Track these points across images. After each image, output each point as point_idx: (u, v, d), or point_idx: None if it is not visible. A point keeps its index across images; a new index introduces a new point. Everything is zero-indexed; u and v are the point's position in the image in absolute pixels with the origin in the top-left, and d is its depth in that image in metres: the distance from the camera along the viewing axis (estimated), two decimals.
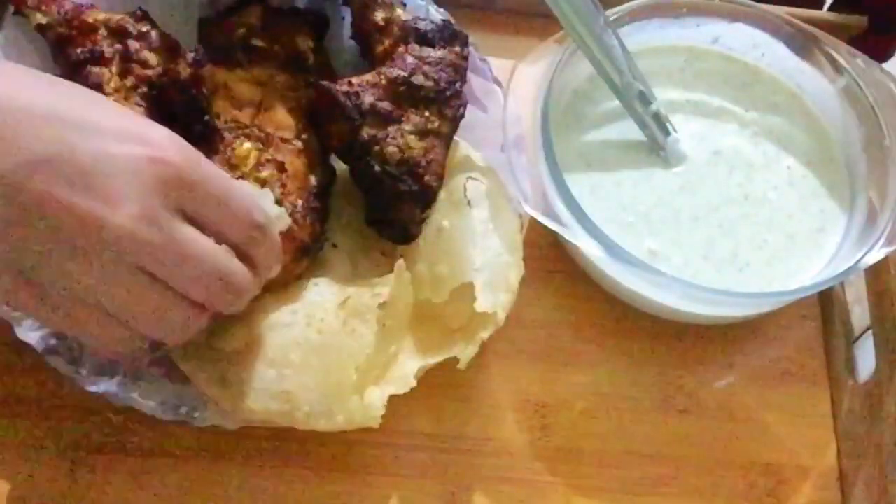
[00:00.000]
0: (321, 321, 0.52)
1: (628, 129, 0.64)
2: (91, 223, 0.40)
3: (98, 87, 0.52)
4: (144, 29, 0.55)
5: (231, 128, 0.55)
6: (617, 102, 0.63)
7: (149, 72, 0.53)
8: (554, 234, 0.58)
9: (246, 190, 0.48)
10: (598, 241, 0.56)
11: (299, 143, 0.56)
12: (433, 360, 0.55)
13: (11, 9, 0.56)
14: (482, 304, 0.54)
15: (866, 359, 0.60)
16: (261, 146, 0.54)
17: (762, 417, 0.61)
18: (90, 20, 0.55)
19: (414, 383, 0.53)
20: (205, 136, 0.53)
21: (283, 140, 0.55)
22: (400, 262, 0.54)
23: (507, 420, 0.59)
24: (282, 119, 0.56)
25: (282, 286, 0.53)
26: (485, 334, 0.55)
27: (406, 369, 0.54)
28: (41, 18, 0.55)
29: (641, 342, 0.62)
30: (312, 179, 0.55)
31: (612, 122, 0.65)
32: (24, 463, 0.54)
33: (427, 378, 0.55)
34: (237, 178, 0.53)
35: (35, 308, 0.42)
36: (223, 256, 0.44)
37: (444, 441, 0.58)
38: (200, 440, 0.55)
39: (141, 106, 0.52)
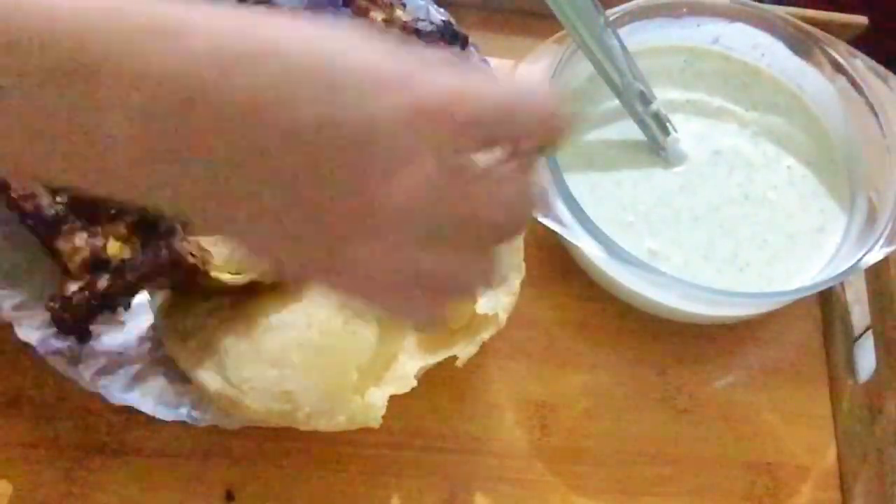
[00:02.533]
0: (322, 322, 0.52)
1: (628, 129, 0.64)
2: (370, 201, 0.34)
3: None
4: None
5: None
6: (617, 102, 0.63)
7: None
8: (554, 234, 0.58)
9: (526, 86, 0.40)
10: (598, 241, 0.56)
11: None
12: (433, 359, 0.55)
13: None
14: (483, 306, 0.54)
15: (866, 359, 0.60)
16: None
17: (762, 417, 0.61)
18: None
19: (414, 383, 0.53)
20: None
21: None
22: None
23: (507, 420, 0.59)
24: None
25: (284, 286, 0.53)
26: (485, 335, 0.55)
27: (406, 369, 0.54)
28: None
29: (642, 342, 0.62)
30: None
31: (612, 122, 0.64)
32: (24, 463, 0.54)
33: (427, 378, 0.55)
34: None
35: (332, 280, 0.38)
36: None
37: (444, 441, 0.58)
38: (200, 440, 0.55)
39: None
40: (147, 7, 0.33)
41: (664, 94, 0.64)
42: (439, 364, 0.55)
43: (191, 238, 0.52)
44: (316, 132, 0.33)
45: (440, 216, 0.36)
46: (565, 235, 0.57)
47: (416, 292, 0.37)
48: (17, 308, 0.53)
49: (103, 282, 0.51)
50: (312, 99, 0.33)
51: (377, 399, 0.52)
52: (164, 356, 0.54)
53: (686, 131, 0.64)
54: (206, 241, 0.52)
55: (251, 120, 0.33)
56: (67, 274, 0.53)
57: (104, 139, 0.33)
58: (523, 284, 0.57)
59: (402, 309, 0.39)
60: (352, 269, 0.36)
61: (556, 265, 0.64)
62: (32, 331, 0.53)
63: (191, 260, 0.51)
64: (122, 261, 0.52)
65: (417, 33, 0.58)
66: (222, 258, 0.52)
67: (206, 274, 0.52)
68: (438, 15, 0.62)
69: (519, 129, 0.37)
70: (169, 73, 0.32)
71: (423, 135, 0.34)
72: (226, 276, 0.52)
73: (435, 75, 0.35)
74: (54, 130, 0.33)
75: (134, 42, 0.32)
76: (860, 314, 0.62)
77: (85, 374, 0.53)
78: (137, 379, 0.53)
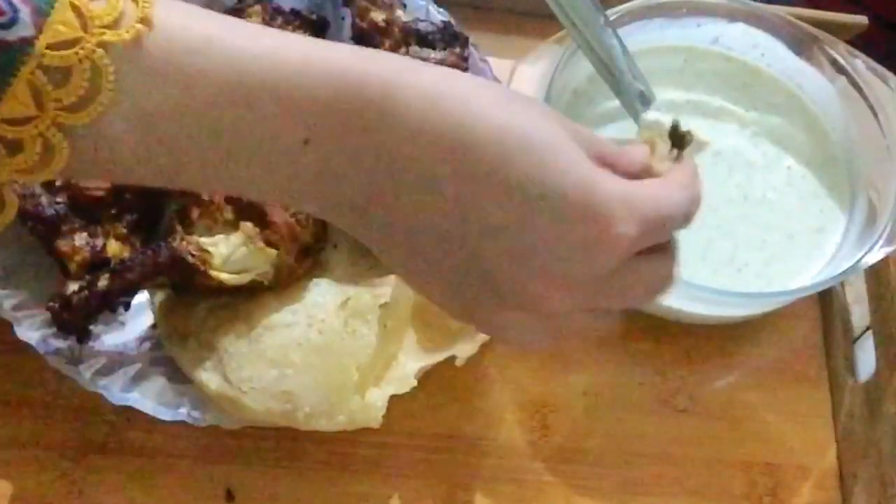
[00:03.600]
0: (322, 321, 0.52)
1: (628, 129, 0.63)
2: (544, 294, 0.39)
3: None
4: None
5: None
6: (617, 102, 0.63)
7: None
8: None
9: (675, 199, 0.42)
10: None
11: None
12: (433, 359, 0.55)
13: None
14: None
15: (866, 359, 0.60)
16: None
17: (762, 417, 0.61)
18: None
19: (414, 383, 0.53)
20: None
21: None
22: None
23: (507, 420, 0.59)
24: None
25: (284, 286, 0.53)
26: (486, 336, 0.55)
27: (406, 369, 0.54)
28: None
29: (641, 342, 0.62)
30: None
31: (612, 122, 0.64)
32: (25, 463, 0.54)
33: (427, 378, 0.55)
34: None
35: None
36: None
37: (445, 441, 0.58)
38: (200, 440, 0.55)
39: None
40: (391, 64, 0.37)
41: (664, 94, 0.64)
42: (439, 364, 0.55)
43: (190, 238, 0.52)
44: (548, 242, 0.37)
45: (594, 302, 0.40)
46: None
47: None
48: (17, 308, 0.53)
49: (103, 281, 0.51)
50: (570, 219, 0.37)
51: (377, 399, 0.52)
52: (164, 356, 0.54)
53: None
54: (206, 242, 0.52)
55: (501, 199, 0.37)
56: (67, 274, 0.53)
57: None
58: None
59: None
60: (502, 328, 0.40)
61: None
62: (32, 331, 0.53)
63: (190, 259, 0.51)
64: (122, 260, 0.52)
65: (417, 33, 0.58)
66: (221, 258, 0.52)
67: (205, 273, 0.51)
68: (438, 15, 0.62)
69: (679, 227, 0.42)
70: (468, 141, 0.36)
71: (600, 263, 0.38)
72: (225, 276, 0.52)
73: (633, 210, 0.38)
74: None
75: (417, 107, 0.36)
76: (860, 314, 0.62)
77: (85, 374, 0.53)
78: (137, 379, 0.53)
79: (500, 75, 0.62)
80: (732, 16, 0.66)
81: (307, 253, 0.54)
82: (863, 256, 0.57)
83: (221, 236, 0.52)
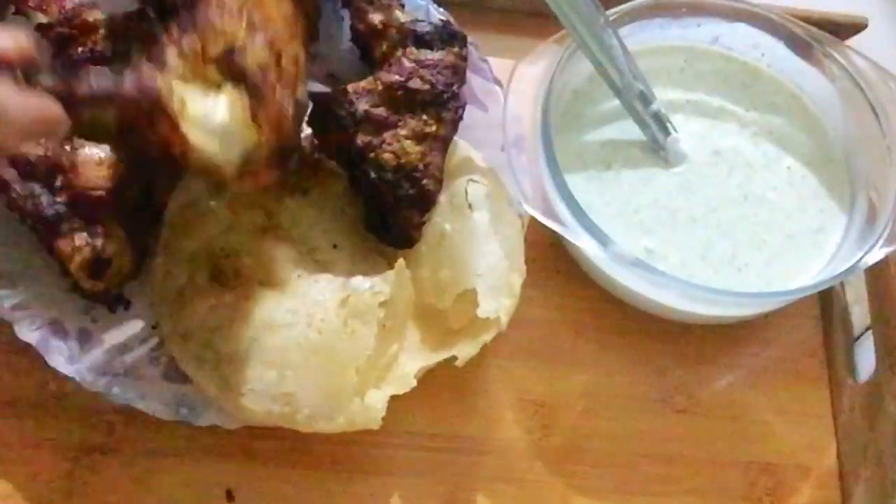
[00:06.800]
0: (321, 321, 0.52)
1: (628, 129, 0.64)
2: None
3: None
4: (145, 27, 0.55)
5: None
6: (617, 102, 0.63)
7: None
8: (554, 233, 0.58)
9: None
10: (597, 241, 0.56)
11: (296, 49, 0.49)
12: (433, 360, 0.55)
13: (13, 8, 0.56)
14: (484, 310, 0.54)
15: (866, 359, 0.60)
16: None
17: (762, 417, 0.61)
18: (91, 19, 0.55)
19: (414, 383, 0.53)
20: None
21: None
22: (400, 262, 0.54)
23: (507, 420, 0.59)
24: None
25: (238, 192, 0.49)
26: (487, 337, 0.55)
27: (406, 369, 0.54)
28: (42, 18, 0.55)
29: (641, 342, 0.62)
30: (299, 93, 0.49)
31: (612, 122, 0.64)
32: (25, 463, 0.54)
33: (427, 378, 0.55)
34: (225, 47, 0.46)
35: None
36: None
37: (444, 441, 0.58)
38: (200, 440, 0.55)
39: None
40: None
41: (664, 94, 0.64)
42: (439, 364, 0.55)
43: (170, 77, 0.45)
44: None
45: None
46: (565, 235, 0.57)
47: None
48: (16, 308, 0.53)
49: (47, 80, 0.43)
50: None
51: (377, 401, 0.52)
52: (165, 356, 0.54)
53: (686, 131, 0.64)
54: (192, 92, 0.45)
55: None
56: (67, 274, 0.53)
57: None
58: (524, 285, 0.57)
59: None
60: None
61: (556, 265, 0.64)
62: (32, 331, 0.53)
63: (160, 97, 0.44)
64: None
65: (415, 35, 0.58)
66: (197, 113, 0.45)
67: (171, 121, 0.44)
68: (437, 15, 0.62)
69: None
70: None
71: None
72: (195, 134, 0.45)
73: None
74: None
75: None
76: (860, 314, 0.62)
77: (85, 374, 0.53)
78: (137, 379, 0.53)
79: (500, 75, 0.63)
80: (732, 16, 0.66)
81: (281, 159, 0.47)
82: (863, 256, 0.57)
83: (200, 91, 0.45)
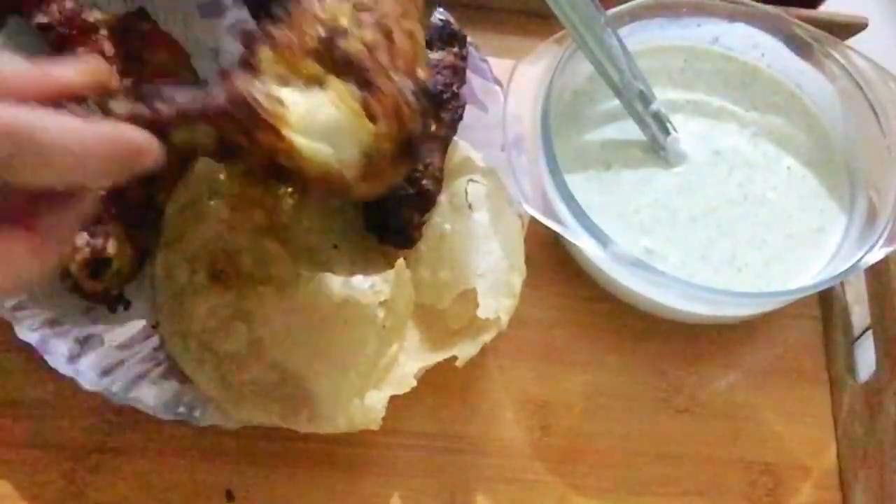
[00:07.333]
0: (321, 321, 0.52)
1: (628, 129, 0.64)
2: None
3: None
4: (145, 27, 0.55)
5: None
6: (617, 102, 0.63)
7: None
8: (554, 233, 0.58)
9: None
10: (597, 241, 0.56)
11: (410, 25, 0.42)
12: (433, 360, 0.55)
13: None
14: (484, 310, 0.54)
15: (866, 359, 0.60)
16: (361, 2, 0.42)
17: (762, 417, 0.61)
18: (90, 20, 0.55)
19: (414, 383, 0.53)
20: None
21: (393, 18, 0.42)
22: (400, 262, 0.54)
23: (507, 420, 0.59)
24: None
25: (367, 193, 0.42)
26: (487, 337, 0.55)
27: (406, 370, 0.54)
28: (42, 18, 0.55)
29: (641, 342, 0.62)
30: (420, 73, 0.42)
31: (612, 122, 0.64)
32: (24, 463, 0.54)
33: (427, 378, 0.55)
34: (325, 33, 0.40)
35: None
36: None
37: (444, 441, 0.58)
38: (200, 440, 0.55)
39: None
40: None
41: (664, 94, 0.64)
42: (439, 364, 0.55)
43: (258, 81, 0.40)
44: None
45: None
46: (565, 235, 0.57)
47: None
48: (17, 308, 0.53)
49: (120, 108, 0.38)
50: None
51: (377, 402, 0.52)
52: (165, 356, 0.54)
53: (686, 131, 0.64)
54: (280, 91, 0.40)
55: None
56: (67, 274, 0.53)
57: None
58: (524, 285, 0.57)
59: None
60: None
61: (556, 265, 0.64)
62: (32, 331, 0.53)
63: (258, 106, 0.39)
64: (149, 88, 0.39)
65: None
66: (299, 116, 0.39)
67: (273, 130, 0.39)
68: (437, 15, 0.62)
69: None
70: None
71: None
72: (301, 141, 0.40)
73: None
74: None
75: None
76: (860, 314, 0.62)
77: (85, 374, 0.53)
78: (137, 379, 0.53)
79: (500, 75, 0.63)
80: (732, 16, 0.66)
81: (408, 150, 0.42)
82: (863, 256, 0.57)
83: (299, 90, 0.40)
